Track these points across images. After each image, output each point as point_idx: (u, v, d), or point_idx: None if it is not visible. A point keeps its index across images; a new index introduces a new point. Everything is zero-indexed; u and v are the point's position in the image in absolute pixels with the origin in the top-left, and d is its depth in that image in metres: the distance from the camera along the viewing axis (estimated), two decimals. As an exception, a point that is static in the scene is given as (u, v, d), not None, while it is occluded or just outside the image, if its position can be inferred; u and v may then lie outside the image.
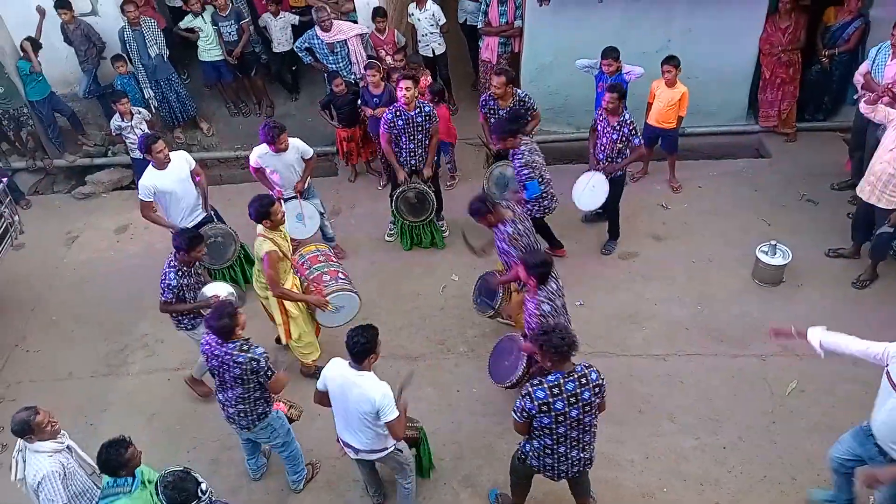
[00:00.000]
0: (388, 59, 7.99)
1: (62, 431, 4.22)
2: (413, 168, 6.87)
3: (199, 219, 6.47)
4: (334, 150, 8.17)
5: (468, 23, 8.86)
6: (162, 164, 6.17)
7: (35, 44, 8.13)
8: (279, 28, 8.70)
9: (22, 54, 8.17)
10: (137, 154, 7.24)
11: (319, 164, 7.55)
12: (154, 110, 8.48)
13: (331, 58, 8.07)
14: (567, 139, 8.45)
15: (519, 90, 6.77)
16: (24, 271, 7.60)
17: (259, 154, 6.43)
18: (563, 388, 3.94)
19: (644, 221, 7.36)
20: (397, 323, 6.49)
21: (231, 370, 4.52)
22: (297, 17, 8.73)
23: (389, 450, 4.53)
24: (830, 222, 7.08)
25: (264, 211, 5.36)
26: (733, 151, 8.32)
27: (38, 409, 4.10)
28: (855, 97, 6.96)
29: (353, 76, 8.13)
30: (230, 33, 8.56)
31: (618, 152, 6.51)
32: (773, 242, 6.47)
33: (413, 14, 8.46)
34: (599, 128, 6.59)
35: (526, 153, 6.04)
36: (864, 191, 6.08)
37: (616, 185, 6.65)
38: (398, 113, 6.58)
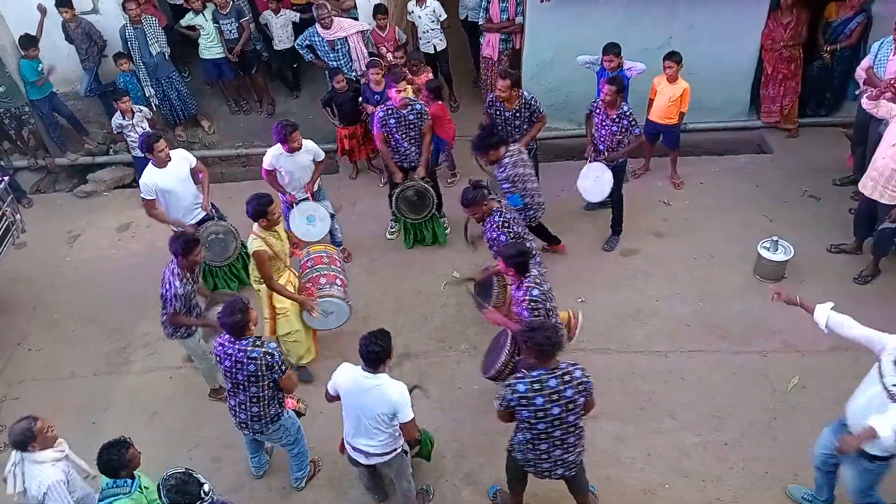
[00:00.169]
0: (389, 56, 7.99)
1: (59, 439, 4.22)
2: (410, 166, 6.86)
3: (199, 217, 6.46)
4: (335, 147, 8.17)
5: (469, 19, 8.84)
6: (162, 163, 6.16)
7: (32, 41, 8.08)
8: (280, 25, 8.69)
9: (23, 53, 8.16)
10: (138, 152, 7.23)
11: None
12: (155, 108, 8.49)
13: (332, 55, 8.06)
14: (568, 136, 8.43)
15: (525, 93, 6.63)
16: (26, 270, 7.61)
17: (273, 155, 6.37)
18: (544, 385, 3.95)
19: (645, 218, 7.35)
20: (398, 321, 6.49)
21: (245, 367, 4.50)
22: (298, 15, 8.72)
23: (398, 451, 4.54)
24: (832, 218, 7.07)
25: (262, 210, 5.35)
26: (735, 147, 8.31)
27: (37, 417, 4.10)
28: (857, 93, 6.96)
29: (353, 73, 8.12)
30: (231, 31, 8.56)
31: (617, 143, 6.51)
32: (774, 238, 6.46)
33: (414, 11, 8.46)
34: (597, 120, 6.59)
35: (509, 166, 5.95)
36: (867, 186, 6.07)
37: (617, 173, 6.65)
38: (389, 111, 6.58)
